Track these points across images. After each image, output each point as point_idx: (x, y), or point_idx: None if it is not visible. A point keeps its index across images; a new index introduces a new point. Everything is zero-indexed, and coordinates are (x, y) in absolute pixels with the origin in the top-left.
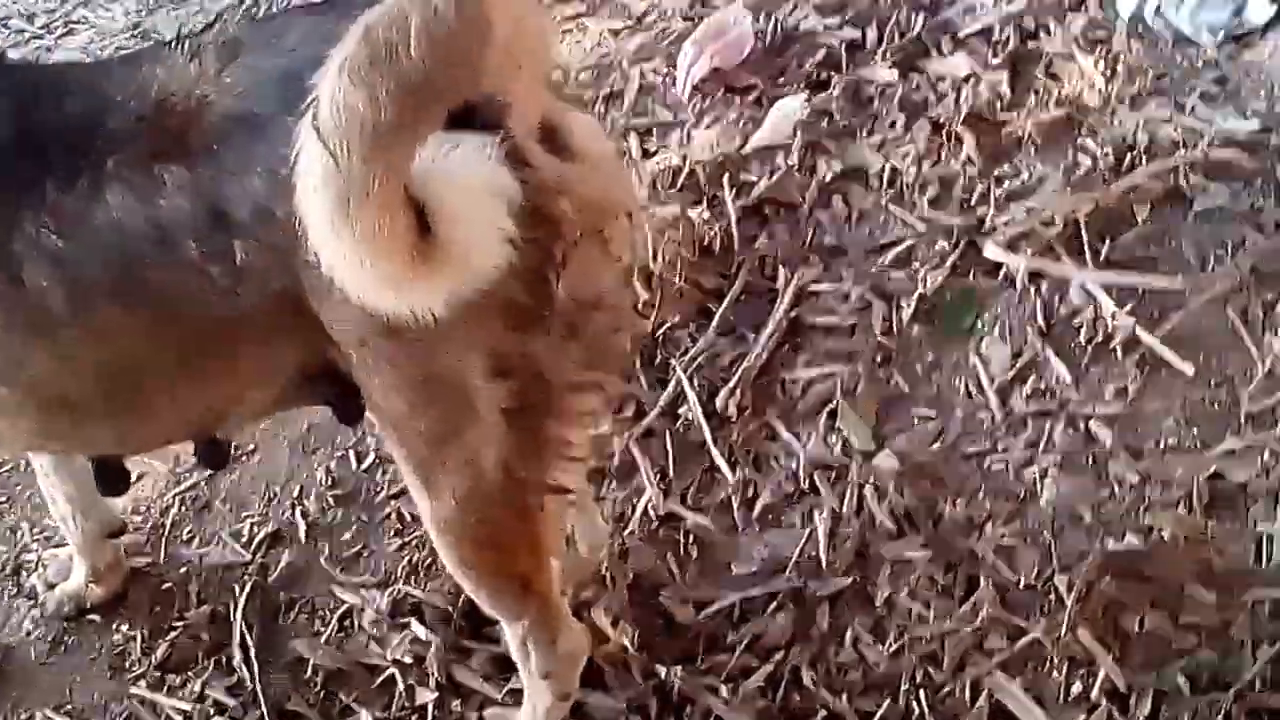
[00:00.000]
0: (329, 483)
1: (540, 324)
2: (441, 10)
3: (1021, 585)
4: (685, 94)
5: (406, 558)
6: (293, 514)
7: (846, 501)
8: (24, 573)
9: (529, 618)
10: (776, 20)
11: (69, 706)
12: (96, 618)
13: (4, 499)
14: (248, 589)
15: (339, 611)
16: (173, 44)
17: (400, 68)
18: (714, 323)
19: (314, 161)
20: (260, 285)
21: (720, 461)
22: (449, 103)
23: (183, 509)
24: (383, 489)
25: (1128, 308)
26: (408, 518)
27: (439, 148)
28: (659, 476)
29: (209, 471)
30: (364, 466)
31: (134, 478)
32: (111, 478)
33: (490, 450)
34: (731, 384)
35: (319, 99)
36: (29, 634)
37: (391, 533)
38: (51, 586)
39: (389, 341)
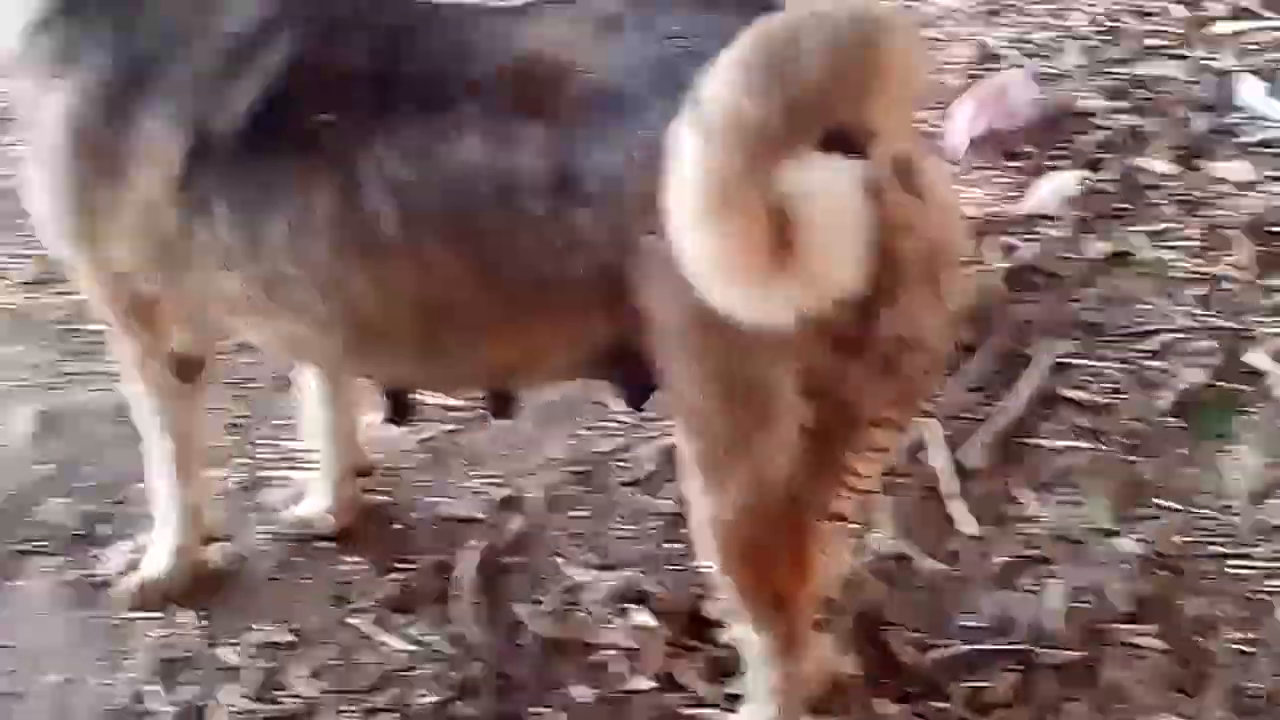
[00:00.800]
0: (569, 458)
1: (859, 354)
2: (841, 29)
3: (1255, 695)
4: (959, 149)
5: (638, 546)
6: (529, 482)
7: (1083, 577)
8: (260, 489)
9: (776, 632)
10: (1058, 94)
11: (289, 625)
12: (326, 545)
13: (249, 414)
14: (476, 546)
15: (563, 585)
16: (549, 6)
17: (793, 77)
18: (966, 377)
19: (693, 152)
20: (590, 254)
21: (958, 512)
22: (829, 121)
23: (424, 456)
24: (621, 475)
25: None
26: (642, 507)
27: (808, 164)
28: (896, 515)
29: (452, 426)
30: (606, 449)
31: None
32: (399, 406)
33: (781, 463)
34: (978, 439)
35: (706, 92)
36: (258, 549)
37: (624, 519)
38: (287, 507)
39: (710, 337)
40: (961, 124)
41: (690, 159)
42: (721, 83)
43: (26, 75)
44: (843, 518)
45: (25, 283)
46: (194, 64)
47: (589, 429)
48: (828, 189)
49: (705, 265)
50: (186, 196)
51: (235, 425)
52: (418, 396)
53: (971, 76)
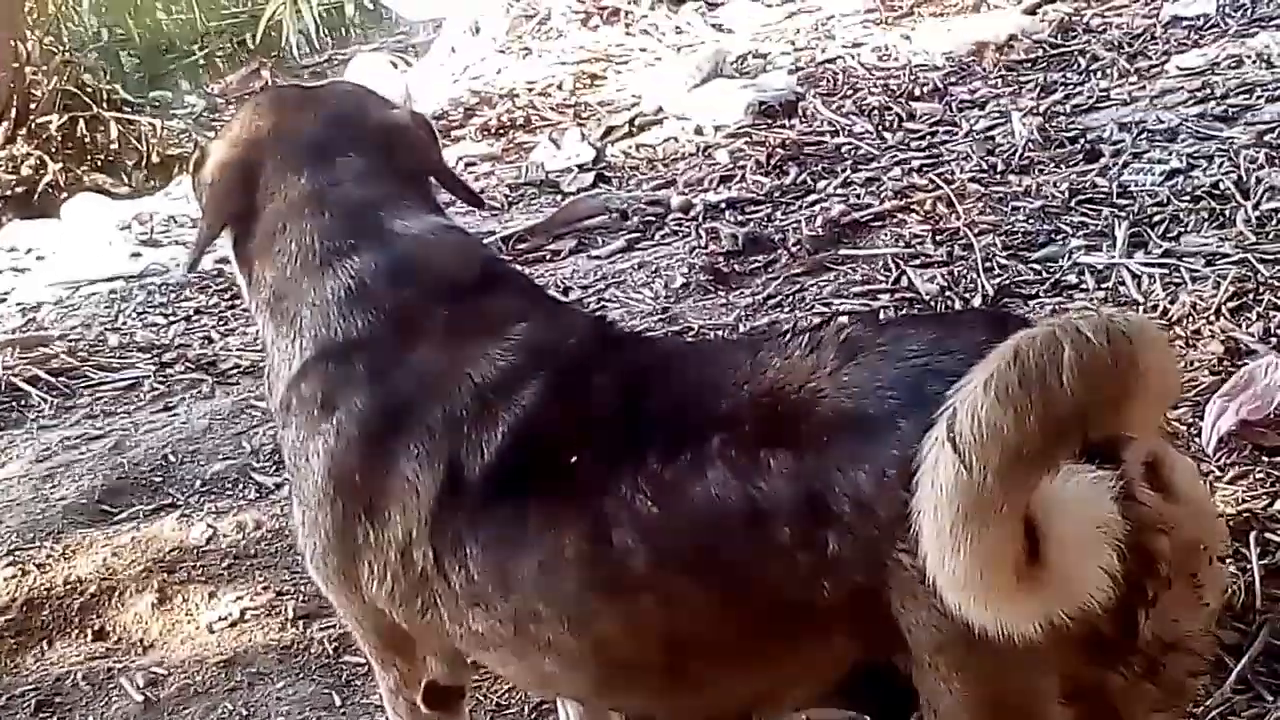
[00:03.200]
0: None
1: (1121, 658)
2: (1096, 345)
3: None
4: (1210, 447)
5: None
6: None
7: None
8: None
9: None
10: None
11: None
12: None
13: None
14: None
15: None
16: (790, 336)
17: (1050, 394)
18: (1230, 679)
19: (945, 471)
20: (843, 577)
21: None
22: (1086, 435)
23: None
24: None
25: None
26: None
27: (1064, 478)
28: None
29: None
30: None
31: None
32: None
33: None
34: None
35: (957, 411)
36: None
37: None
38: None
39: (968, 652)
40: (1210, 421)
41: (945, 477)
42: (972, 397)
43: (291, 423)
44: None
45: (294, 618)
46: (446, 408)
47: None
48: (1083, 504)
49: (951, 577)
50: (439, 535)
51: None
52: None
53: (1218, 373)
